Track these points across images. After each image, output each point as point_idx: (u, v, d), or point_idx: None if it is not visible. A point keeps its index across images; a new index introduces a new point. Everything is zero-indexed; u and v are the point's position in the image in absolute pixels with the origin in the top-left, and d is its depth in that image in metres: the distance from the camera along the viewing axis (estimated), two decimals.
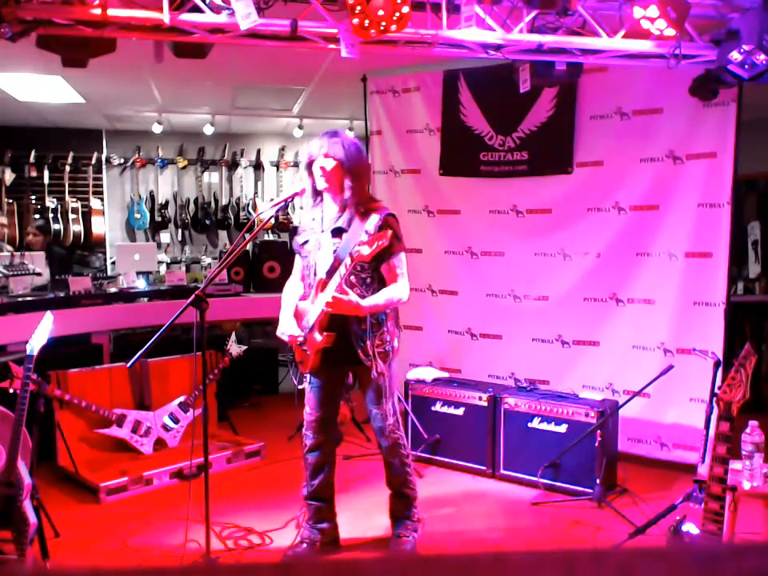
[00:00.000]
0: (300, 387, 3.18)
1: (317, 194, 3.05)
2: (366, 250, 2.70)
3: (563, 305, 4.67)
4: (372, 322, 2.94)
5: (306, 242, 3.09)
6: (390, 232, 2.75)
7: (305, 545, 3.19)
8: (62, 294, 5.05)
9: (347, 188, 2.93)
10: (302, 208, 7.39)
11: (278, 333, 3.11)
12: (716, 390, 2.54)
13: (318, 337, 2.93)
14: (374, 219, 2.91)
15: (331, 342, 2.93)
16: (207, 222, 7.58)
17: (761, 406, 5.14)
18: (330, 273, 2.91)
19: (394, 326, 3.07)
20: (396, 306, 3.05)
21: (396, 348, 3.07)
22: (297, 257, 3.24)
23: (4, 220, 6.73)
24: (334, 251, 2.96)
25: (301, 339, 3.01)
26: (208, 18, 3.09)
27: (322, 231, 3.03)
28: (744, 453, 2.72)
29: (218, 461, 4.29)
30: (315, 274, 3.02)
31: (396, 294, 2.95)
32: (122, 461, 4.23)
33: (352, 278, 2.91)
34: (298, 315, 3.06)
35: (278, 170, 7.87)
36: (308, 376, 3.14)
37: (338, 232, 2.98)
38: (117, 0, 3.02)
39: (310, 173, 3.02)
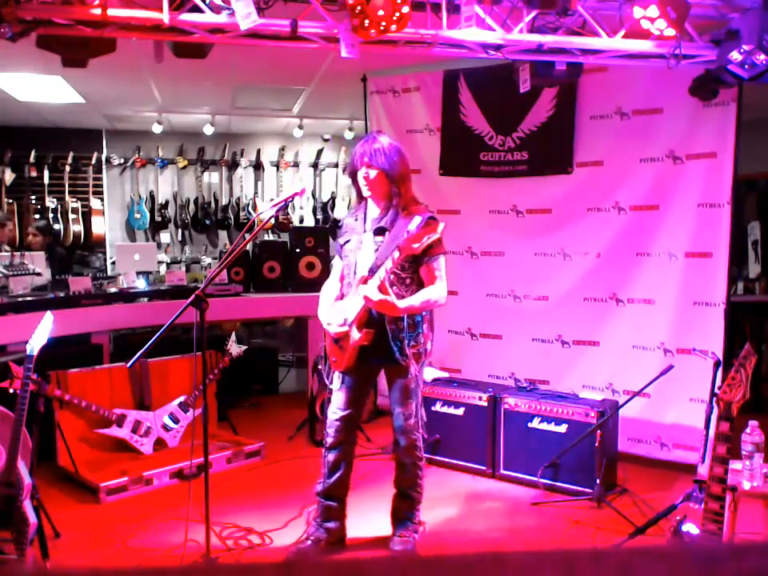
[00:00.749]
0: (331, 386, 3.17)
1: (361, 197, 3.10)
2: (415, 244, 2.70)
3: (563, 305, 4.68)
4: (408, 323, 2.95)
5: (347, 241, 3.12)
6: (441, 226, 2.75)
7: (310, 542, 3.20)
8: (61, 294, 5.05)
9: (394, 194, 2.98)
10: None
11: (324, 323, 3.10)
12: (716, 390, 2.54)
13: (356, 334, 2.93)
14: (417, 220, 2.91)
15: (370, 339, 2.93)
16: (207, 221, 7.58)
17: (761, 406, 5.14)
18: (373, 270, 2.91)
19: (429, 329, 3.08)
20: (432, 309, 3.05)
21: (429, 351, 3.08)
22: (336, 258, 3.26)
23: (10, 225, 6.72)
24: (376, 250, 2.98)
25: (338, 335, 3.01)
26: (208, 18, 3.09)
27: (365, 231, 3.05)
28: (744, 453, 2.72)
29: (217, 461, 4.29)
30: (356, 273, 3.03)
31: (433, 296, 2.96)
32: (122, 461, 4.23)
33: (392, 277, 2.91)
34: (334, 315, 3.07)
35: (278, 169, 7.86)
36: (340, 375, 3.13)
37: (380, 231, 3.00)
38: (117, 0, 3.02)
39: (354, 181, 3.07)
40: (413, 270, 2.97)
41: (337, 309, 3.07)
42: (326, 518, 3.21)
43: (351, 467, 3.23)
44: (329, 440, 3.17)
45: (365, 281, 2.91)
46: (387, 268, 2.80)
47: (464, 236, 5.01)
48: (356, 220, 3.12)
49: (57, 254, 6.79)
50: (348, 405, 3.13)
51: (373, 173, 2.95)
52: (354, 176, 3.06)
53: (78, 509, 3.76)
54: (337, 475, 3.18)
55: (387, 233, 2.97)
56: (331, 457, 3.18)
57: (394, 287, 2.91)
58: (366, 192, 3.02)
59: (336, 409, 3.15)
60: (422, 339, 3.02)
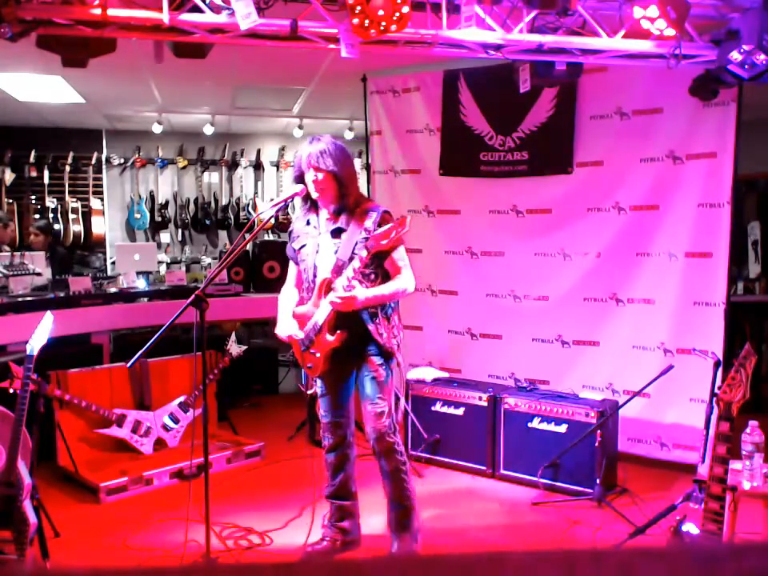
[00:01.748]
0: (309, 393, 3.15)
1: (308, 200, 3.07)
2: (384, 240, 2.71)
3: (563, 305, 4.67)
4: (382, 315, 2.96)
5: (302, 246, 3.09)
6: (409, 218, 2.75)
7: (325, 542, 3.20)
8: (62, 294, 5.05)
9: (343, 195, 2.96)
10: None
11: (277, 331, 3.11)
12: (716, 390, 2.54)
13: (329, 337, 2.93)
14: (373, 216, 2.93)
15: (343, 340, 2.92)
16: (207, 221, 7.58)
17: (761, 406, 5.14)
18: (337, 270, 2.91)
19: (399, 320, 3.09)
20: (400, 299, 3.05)
21: (400, 342, 3.07)
22: (291, 264, 3.23)
23: (12, 225, 6.72)
24: (335, 251, 2.96)
25: (306, 341, 3.00)
26: (208, 18, 3.09)
27: (319, 234, 3.04)
28: (744, 453, 2.72)
29: (217, 461, 4.29)
30: (315, 277, 3.01)
31: (401, 285, 2.96)
32: (122, 461, 4.23)
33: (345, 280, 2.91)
34: (298, 320, 3.05)
35: (277, 170, 7.87)
36: (317, 381, 3.13)
37: (337, 232, 2.99)
38: (117, 0, 3.02)
39: (302, 183, 3.03)
40: (376, 264, 2.96)
41: (298, 315, 3.04)
42: (339, 518, 3.22)
43: (353, 466, 3.23)
44: (325, 443, 3.20)
45: (328, 283, 2.91)
46: (356, 267, 2.81)
47: (464, 236, 5.01)
48: (308, 224, 3.09)
49: (58, 254, 6.79)
50: (332, 409, 3.14)
51: (321, 175, 2.93)
52: (300, 180, 3.03)
53: (78, 509, 3.76)
54: (341, 476, 3.18)
55: (344, 233, 2.96)
56: (331, 459, 3.19)
57: (363, 284, 2.91)
58: (314, 194, 2.99)
59: (324, 413, 3.16)
60: (396, 330, 3.03)
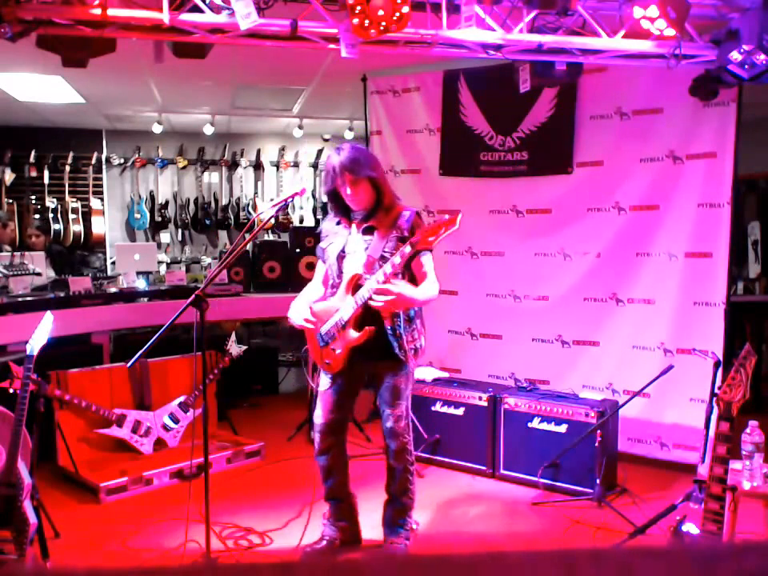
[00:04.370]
0: (322, 390, 3.09)
1: (339, 206, 3.02)
2: (431, 237, 2.62)
3: (563, 305, 4.67)
4: (405, 318, 2.92)
5: (330, 244, 3.05)
6: (459, 216, 2.63)
7: (325, 542, 3.20)
8: (62, 294, 5.05)
9: (381, 195, 2.92)
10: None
11: (289, 314, 3.03)
12: (716, 390, 2.54)
13: (353, 333, 2.88)
14: (406, 215, 2.90)
15: (369, 337, 2.86)
16: (207, 222, 7.58)
17: (761, 406, 5.15)
18: (368, 267, 2.86)
19: (422, 324, 3.06)
20: (427, 303, 3.00)
21: (423, 347, 3.04)
22: (319, 263, 3.19)
23: (12, 225, 6.72)
24: (366, 248, 2.93)
25: (327, 337, 2.97)
26: (208, 18, 3.09)
27: (350, 233, 3.00)
28: (744, 453, 2.72)
29: (217, 461, 4.29)
30: (340, 273, 2.97)
31: (430, 291, 2.92)
32: (122, 461, 4.23)
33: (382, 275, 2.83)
34: (316, 317, 2.99)
35: (277, 169, 7.86)
36: (330, 377, 3.06)
37: (368, 230, 2.95)
38: (117, 0, 3.02)
39: (333, 199, 2.98)
40: (404, 267, 2.91)
41: (319, 310, 3.00)
42: (337, 518, 3.21)
43: (346, 467, 3.20)
44: (317, 445, 3.12)
45: (359, 278, 2.87)
46: (396, 263, 2.72)
47: (464, 236, 5.00)
48: (338, 224, 3.06)
49: (61, 254, 6.80)
50: (336, 408, 3.08)
51: (360, 185, 2.88)
52: (333, 193, 2.96)
53: (78, 509, 3.76)
54: (333, 479, 3.15)
55: (376, 231, 2.93)
56: (322, 462, 3.14)
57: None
58: (355, 206, 2.95)
59: (322, 412, 3.08)
60: (417, 335, 3.00)
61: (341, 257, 2.99)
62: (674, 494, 3.39)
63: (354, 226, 3.01)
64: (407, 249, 2.69)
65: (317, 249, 3.21)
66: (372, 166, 2.91)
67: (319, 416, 3.10)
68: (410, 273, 2.95)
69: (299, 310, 3.03)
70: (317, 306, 3.02)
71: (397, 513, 3.15)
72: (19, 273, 4.97)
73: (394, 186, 5.14)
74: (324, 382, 3.09)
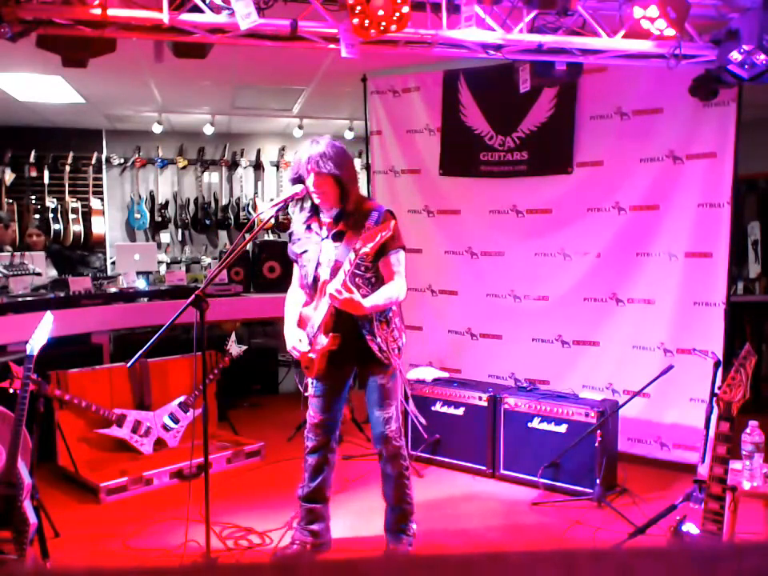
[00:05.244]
0: (306, 394, 3.14)
1: (309, 204, 3.02)
2: (369, 244, 2.67)
3: (563, 305, 4.67)
4: (380, 320, 2.93)
5: (304, 251, 3.05)
6: (392, 223, 2.73)
7: (295, 545, 3.19)
8: (62, 294, 5.05)
9: (345, 197, 2.90)
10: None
11: (288, 349, 3.07)
12: (716, 390, 2.54)
13: (323, 339, 2.91)
14: (374, 215, 2.90)
15: (337, 343, 2.90)
16: (207, 222, 7.58)
17: (761, 406, 5.14)
18: (334, 273, 2.88)
19: (401, 321, 3.06)
20: (396, 304, 3.02)
21: (404, 345, 3.05)
22: (294, 265, 3.19)
23: (13, 225, 6.72)
24: (337, 255, 2.94)
25: (308, 347, 2.98)
26: (208, 18, 3.09)
27: (322, 239, 2.99)
28: (744, 453, 2.72)
29: (217, 461, 4.29)
30: (315, 281, 2.98)
31: (393, 293, 2.91)
32: (122, 461, 4.23)
33: (357, 279, 2.88)
34: (302, 322, 3.03)
35: (277, 169, 7.87)
36: (313, 381, 3.11)
37: (338, 236, 2.95)
38: (117, 0, 3.02)
39: (299, 184, 2.95)
40: (375, 268, 2.93)
41: (303, 317, 3.02)
42: (309, 521, 3.19)
43: (332, 470, 3.21)
44: (309, 444, 3.15)
45: (326, 284, 2.88)
46: (346, 270, 2.76)
47: (464, 236, 5.01)
48: (309, 229, 3.03)
49: (63, 254, 6.81)
50: (324, 410, 3.11)
51: (323, 180, 2.86)
52: (297, 182, 2.94)
53: (78, 509, 3.76)
54: (318, 479, 3.16)
55: (344, 236, 2.93)
56: (311, 461, 3.16)
57: (361, 289, 2.87)
58: (317, 200, 2.93)
59: (313, 413, 3.13)
60: (397, 334, 3.00)
61: (318, 265, 2.99)
62: (674, 493, 3.39)
63: (324, 229, 2.99)
64: (351, 255, 2.74)
65: (288, 250, 3.17)
66: (341, 164, 2.86)
67: (311, 416, 3.14)
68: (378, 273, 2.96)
69: (289, 336, 3.05)
70: (303, 312, 3.05)
71: (398, 519, 3.14)
72: (19, 273, 4.97)
73: (394, 186, 5.26)
74: (310, 385, 3.14)
